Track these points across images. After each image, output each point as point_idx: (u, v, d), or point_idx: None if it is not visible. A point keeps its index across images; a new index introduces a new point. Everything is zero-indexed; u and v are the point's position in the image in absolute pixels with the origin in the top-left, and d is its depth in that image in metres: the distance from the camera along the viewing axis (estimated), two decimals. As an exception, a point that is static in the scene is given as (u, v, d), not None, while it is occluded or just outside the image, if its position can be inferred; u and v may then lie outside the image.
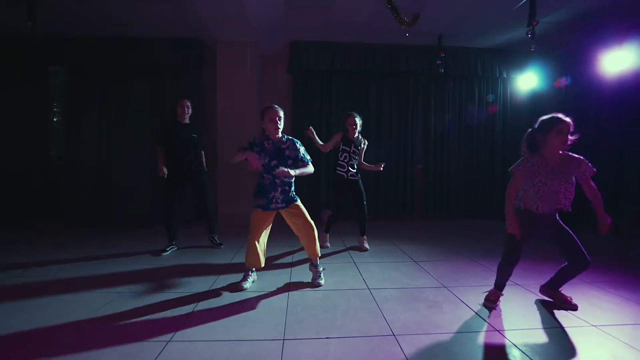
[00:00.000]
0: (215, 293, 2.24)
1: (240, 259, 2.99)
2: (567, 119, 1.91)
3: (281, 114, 2.27)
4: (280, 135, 2.30)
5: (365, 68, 5.22)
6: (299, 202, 2.40)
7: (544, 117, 1.99)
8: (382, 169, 3.41)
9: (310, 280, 2.46)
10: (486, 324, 1.88)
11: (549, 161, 1.93)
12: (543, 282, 2.22)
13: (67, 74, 5.03)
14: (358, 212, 3.40)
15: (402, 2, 3.86)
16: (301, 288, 2.36)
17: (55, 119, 5.68)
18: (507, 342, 1.67)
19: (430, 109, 5.47)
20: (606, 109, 4.76)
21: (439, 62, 4.91)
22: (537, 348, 1.62)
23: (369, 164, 3.51)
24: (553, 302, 2.13)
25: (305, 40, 5.15)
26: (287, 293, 2.27)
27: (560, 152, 1.94)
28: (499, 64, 5.41)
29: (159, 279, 2.53)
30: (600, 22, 4.36)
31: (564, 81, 4.81)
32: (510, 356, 1.55)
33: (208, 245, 3.47)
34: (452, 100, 5.51)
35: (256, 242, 2.29)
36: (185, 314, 1.92)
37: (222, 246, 3.44)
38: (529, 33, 3.79)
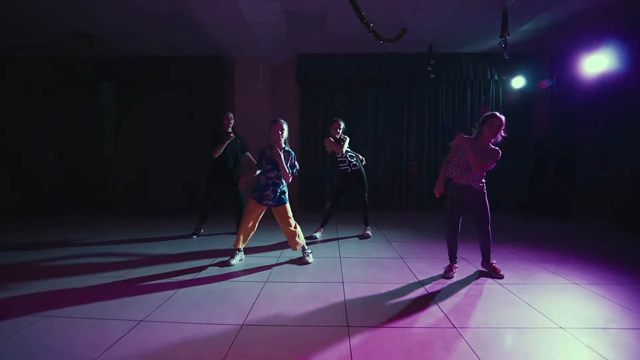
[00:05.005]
0: (209, 269, 2.74)
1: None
2: (501, 117, 2.40)
3: (285, 127, 2.78)
4: (282, 144, 2.78)
5: (364, 76, 5.86)
6: (285, 206, 2.83)
7: (487, 113, 2.49)
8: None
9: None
10: (414, 277, 2.52)
11: (480, 144, 2.45)
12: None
13: (116, 90, 6.18)
14: (361, 203, 3.86)
15: (388, 18, 4.50)
16: (287, 263, 2.90)
17: (106, 127, 6.83)
18: (424, 291, 2.32)
19: (424, 111, 5.99)
20: (589, 108, 5.07)
21: (429, 68, 5.44)
22: (442, 292, 2.25)
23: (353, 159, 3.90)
24: (488, 271, 2.65)
25: (309, 53, 5.88)
26: (274, 263, 3.03)
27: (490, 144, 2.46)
28: (490, 67, 5.81)
29: (173, 259, 3.20)
30: (579, 27, 4.69)
31: (546, 83, 5.15)
32: (425, 301, 2.21)
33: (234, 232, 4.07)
34: (445, 102, 5.99)
35: (248, 228, 2.84)
36: (182, 281, 2.58)
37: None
38: (502, 43, 4.27)
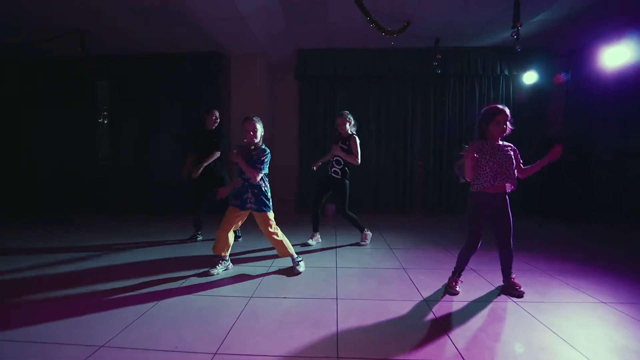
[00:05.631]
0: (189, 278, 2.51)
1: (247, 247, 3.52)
2: (504, 109, 2.12)
3: (258, 126, 2.53)
4: (257, 142, 2.55)
5: (366, 72, 5.57)
6: (267, 214, 2.57)
7: (486, 108, 2.21)
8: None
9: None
10: (418, 293, 2.24)
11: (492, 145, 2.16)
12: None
13: (111, 88, 6.00)
14: (343, 217, 3.47)
15: (392, 9, 4.21)
16: (278, 274, 2.63)
17: (101, 124, 6.66)
18: (429, 312, 2.04)
19: (430, 109, 5.69)
20: (608, 104, 4.72)
21: (435, 63, 5.14)
22: (453, 317, 1.96)
23: (363, 162, 3.51)
24: (506, 287, 2.31)
25: (309, 49, 5.61)
26: (264, 273, 2.77)
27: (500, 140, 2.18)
28: (501, 61, 5.48)
29: (160, 265, 2.99)
30: (599, 17, 4.34)
31: (562, 77, 4.81)
32: (425, 317, 1.93)
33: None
34: (452, 99, 5.68)
35: (225, 234, 2.59)
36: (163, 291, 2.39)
37: (240, 239, 3.78)
38: (514, 35, 3.95)
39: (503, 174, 2.13)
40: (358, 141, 3.34)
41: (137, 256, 3.14)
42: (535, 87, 5.40)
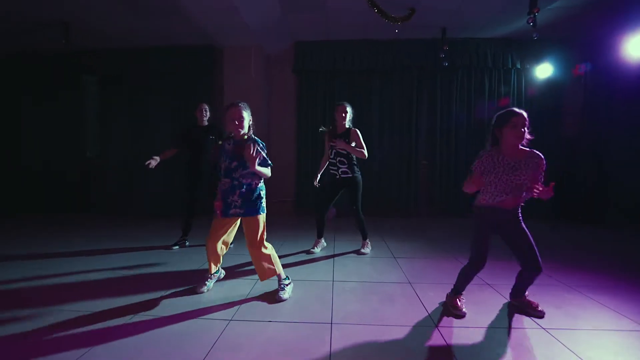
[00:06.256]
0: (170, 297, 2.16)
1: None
2: (522, 112, 1.83)
3: (244, 113, 2.13)
4: (244, 134, 2.15)
5: (368, 65, 5.23)
6: (258, 218, 2.14)
7: (500, 112, 1.93)
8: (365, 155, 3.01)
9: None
10: (428, 316, 1.91)
11: (505, 155, 1.88)
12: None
13: (98, 83, 5.71)
14: (353, 217, 3.16)
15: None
16: (259, 299, 2.15)
17: (89, 122, 6.36)
18: (439, 336, 1.71)
19: (436, 104, 5.34)
20: (629, 101, 4.34)
21: (442, 55, 4.79)
22: (472, 349, 1.63)
23: (364, 161, 3.19)
24: (520, 307, 2.02)
25: (308, 41, 5.28)
26: (249, 291, 2.45)
27: (520, 147, 1.87)
28: (512, 53, 5.12)
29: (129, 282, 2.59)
30: (621, 2, 3.98)
31: (583, 67, 4.42)
32: (437, 349, 1.60)
33: None
34: (460, 94, 5.32)
35: (213, 247, 2.22)
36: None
37: (232, 245, 3.42)
38: (530, 21, 3.60)
39: (506, 192, 1.85)
40: (360, 133, 3.04)
41: (112, 265, 2.82)
42: (549, 81, 5.04)
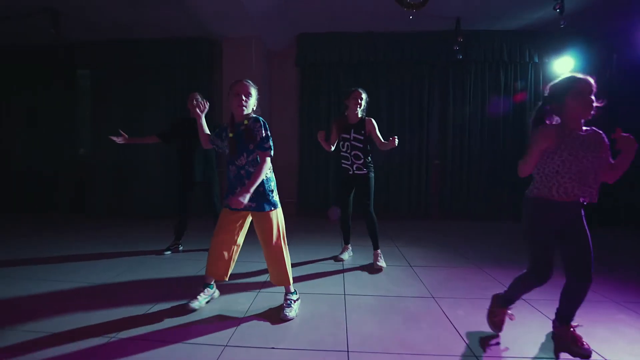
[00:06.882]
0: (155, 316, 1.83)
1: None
2: (586, 77, 1.47)
3: (252, 90, 1.89)
4: (246, 114, 1.89)
5: (375, 58, 4.92)
6: (270, 213, 1.87)
7: (555, 82, 1.55)
8: (396, 144, 2.60)
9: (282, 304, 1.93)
10: (463, 342, 1.59)
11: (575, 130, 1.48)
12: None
13: (92, 78, 5.40)
14: (364, 216, 2.78)
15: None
16: (261, 318, 1.82)
17: (81, 117, 6.06)
18: (482, 370, 1.39)
19: (449, 100, 5.02)
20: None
21: (456, 47, 4.48)
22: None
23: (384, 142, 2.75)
24: (563, 341, 1.61)
25: (311, 32, 4.98)
26: (247, 309, 2.12)
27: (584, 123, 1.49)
28: (529, 47, 4.80)
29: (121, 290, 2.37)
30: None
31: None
32: (480, 388, 1.28)
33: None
34: (474, 90, 5.01)
35: (219, 248, 1.92)
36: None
37: (181, 248, 3.24)
38: (557, 8, 3.30)
39: (582, 180, 1.45)
40: (375, 123, 2.77)
41: (92, 273, 2.50)
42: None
